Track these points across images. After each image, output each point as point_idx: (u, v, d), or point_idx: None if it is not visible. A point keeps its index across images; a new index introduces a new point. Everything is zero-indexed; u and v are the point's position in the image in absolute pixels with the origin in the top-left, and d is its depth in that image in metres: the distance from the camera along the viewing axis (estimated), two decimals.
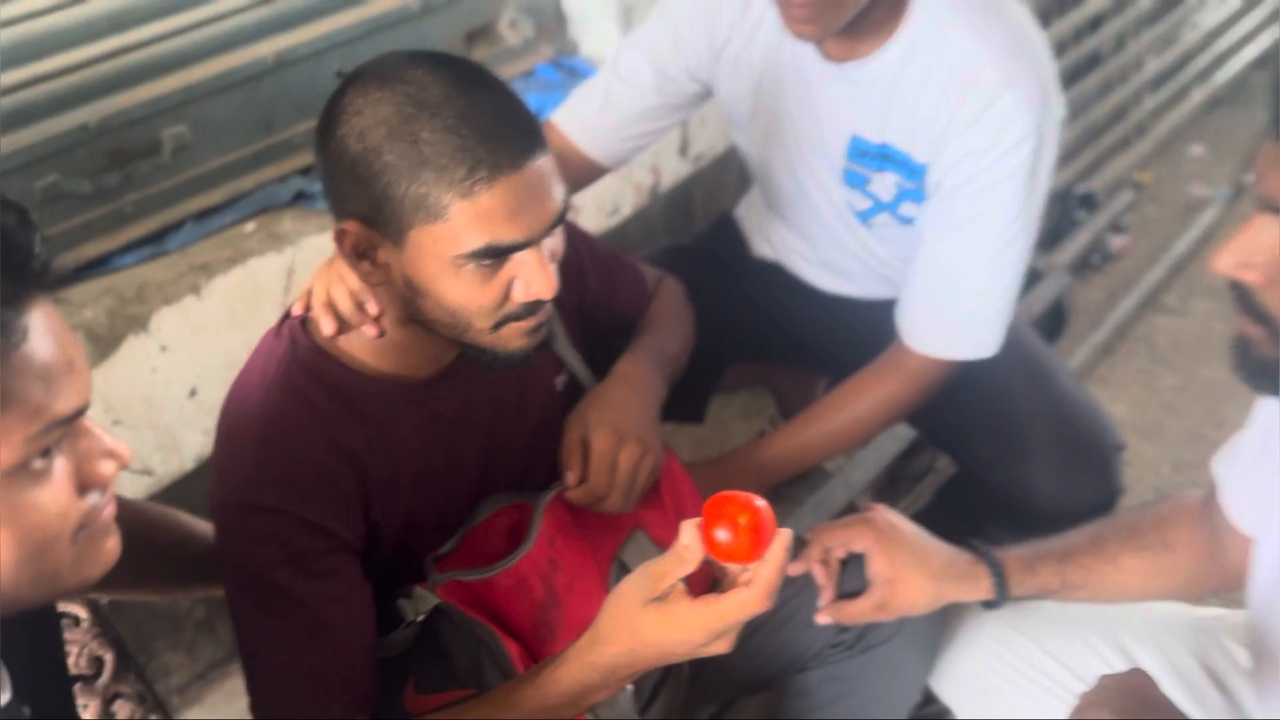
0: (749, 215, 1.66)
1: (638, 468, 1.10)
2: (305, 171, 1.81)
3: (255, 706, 1.03)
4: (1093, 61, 2.97)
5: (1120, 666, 1.13)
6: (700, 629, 0.88)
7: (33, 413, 0.68)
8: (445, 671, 1.04)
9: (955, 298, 1.31)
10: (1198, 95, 3.17)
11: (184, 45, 1.64)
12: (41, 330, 0.70)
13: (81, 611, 1.15)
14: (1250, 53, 3.33)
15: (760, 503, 0.88)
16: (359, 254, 0.95)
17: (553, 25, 2.14)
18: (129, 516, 1.09)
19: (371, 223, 0.93)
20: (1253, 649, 1.07)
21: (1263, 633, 1.02)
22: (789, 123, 1.39)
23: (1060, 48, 2.84)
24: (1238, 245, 0.82)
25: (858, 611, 1.14)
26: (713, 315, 1.51)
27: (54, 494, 0.72)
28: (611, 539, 1.15)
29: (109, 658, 1.18)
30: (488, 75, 0.95)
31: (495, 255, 0.92)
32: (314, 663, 1.00)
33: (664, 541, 1.16)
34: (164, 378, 1.58)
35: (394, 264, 0.95)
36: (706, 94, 1.45)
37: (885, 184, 1.34)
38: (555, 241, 0.98)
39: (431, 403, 1.06)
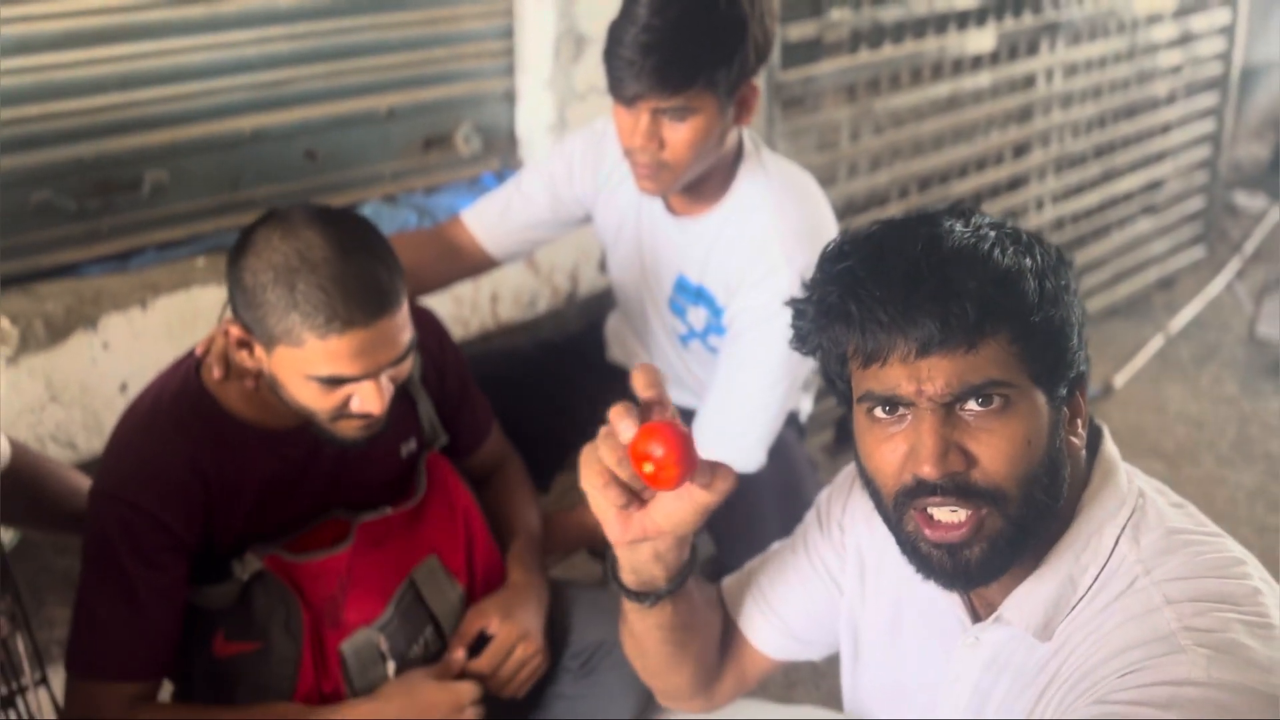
0: (612, 325, 1.96)
1: (528, 661, 1.38)
2: None
3: (71, 645, 1.27)
4: None
5: None
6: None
7: None
8: (246, 625, 1.29)
9: (729, 422, 1.58)
10: (1099, 302, 3.43)
11: (178, 109, 1.95)
12: None
13: None
14: (1154, 274, 3.63)
15: (681, 428, 0.84)
16: (239, 345, 1.23)
17: (503, 143, 2.44)
18: (33, 461, 1.37)
19: (250, 331, 1.20)
20: None
21: None
22: (638, 254, 1.70)
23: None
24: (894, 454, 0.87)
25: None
26: (565, 403, 1.81)
27: None
28: (410, 558, 1.39)
29: None
30: (372, 241, 1.20)
31: (336, 384, 1.19)
32: (125, 628, 1.25)
33: (453, 568, 1.41)
34: (101, 370, 1.86)
35: (263, 361, 1.22)
36: (586, 219, 1.77)
37: (698, 316, 1.65)
38: (396, 371, 1.23)
39: (283, 448, 1.31)
